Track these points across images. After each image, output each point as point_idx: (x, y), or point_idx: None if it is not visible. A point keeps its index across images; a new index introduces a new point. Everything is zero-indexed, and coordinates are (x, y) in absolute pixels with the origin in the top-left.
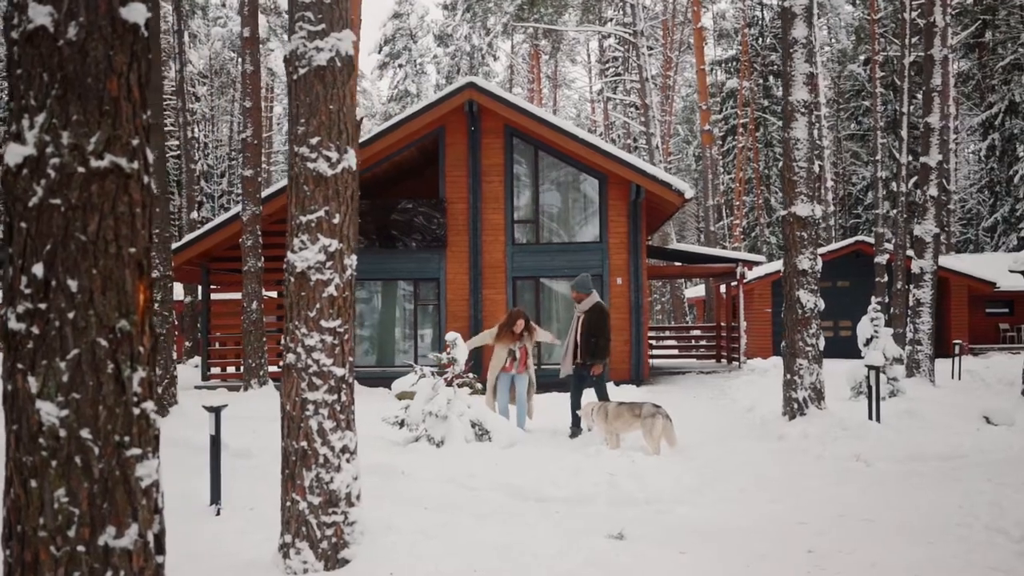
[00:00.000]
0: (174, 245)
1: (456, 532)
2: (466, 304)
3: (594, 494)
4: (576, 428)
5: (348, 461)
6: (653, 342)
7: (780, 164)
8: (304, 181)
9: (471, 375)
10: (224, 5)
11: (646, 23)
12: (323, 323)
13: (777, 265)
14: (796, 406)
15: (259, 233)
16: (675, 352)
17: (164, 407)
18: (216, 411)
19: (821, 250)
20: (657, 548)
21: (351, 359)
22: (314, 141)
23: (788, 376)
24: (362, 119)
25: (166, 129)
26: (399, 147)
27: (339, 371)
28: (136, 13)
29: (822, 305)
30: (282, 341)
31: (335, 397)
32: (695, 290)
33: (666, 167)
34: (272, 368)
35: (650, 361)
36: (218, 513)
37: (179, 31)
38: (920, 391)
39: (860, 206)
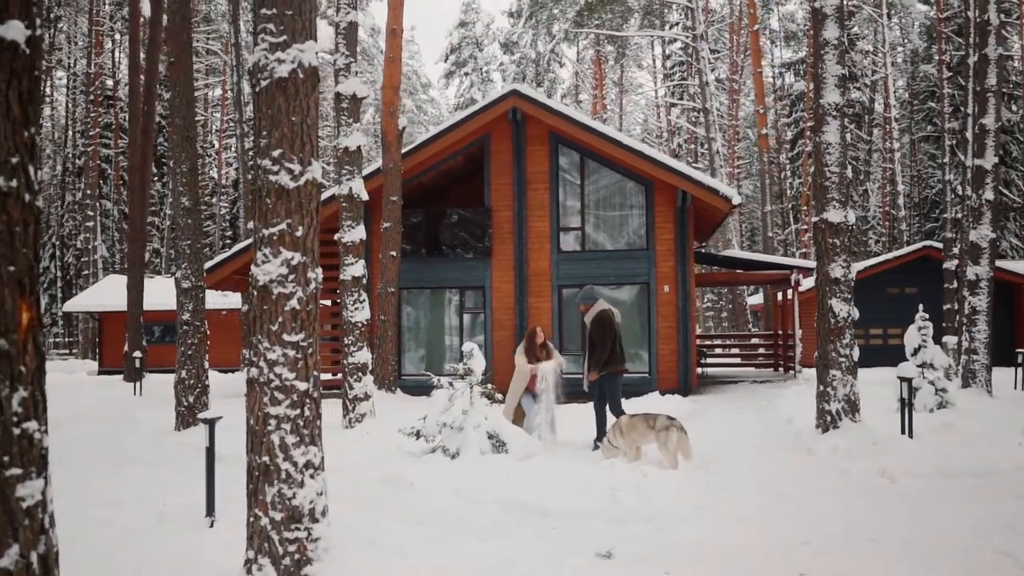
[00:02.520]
0: (223, 256)
1: (439, 548)
2: (512, 312)
3: (597, 509)
4: (599, 440)
5: (312, 477)
6: (720, 350)
7: (852, 167)
8: (266, 194)
9: (490, 385)
10: None
11: (706, 27)
12: (285, 337)
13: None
14: (829, 419)
15: None
16: (737, 360)
17: (196, 415)
18: (210, 423)
19: (889, 255)
20: (643, 567)
21: (316, 373)
22: (276, 154)
23: (821, 388)
24: (404, 128)
25: (229, 141)
26: (445, 155)
27: (302, 385)
28: (14, 31)
29: (856, 314)
30: (247, 355)
31: (298, 412)
32: (759, 297)
33: (732, 172)
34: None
35: (707, 370)
36: (212, 525)
37: (236, 44)
38: (973, 402)
39: (937, 210)
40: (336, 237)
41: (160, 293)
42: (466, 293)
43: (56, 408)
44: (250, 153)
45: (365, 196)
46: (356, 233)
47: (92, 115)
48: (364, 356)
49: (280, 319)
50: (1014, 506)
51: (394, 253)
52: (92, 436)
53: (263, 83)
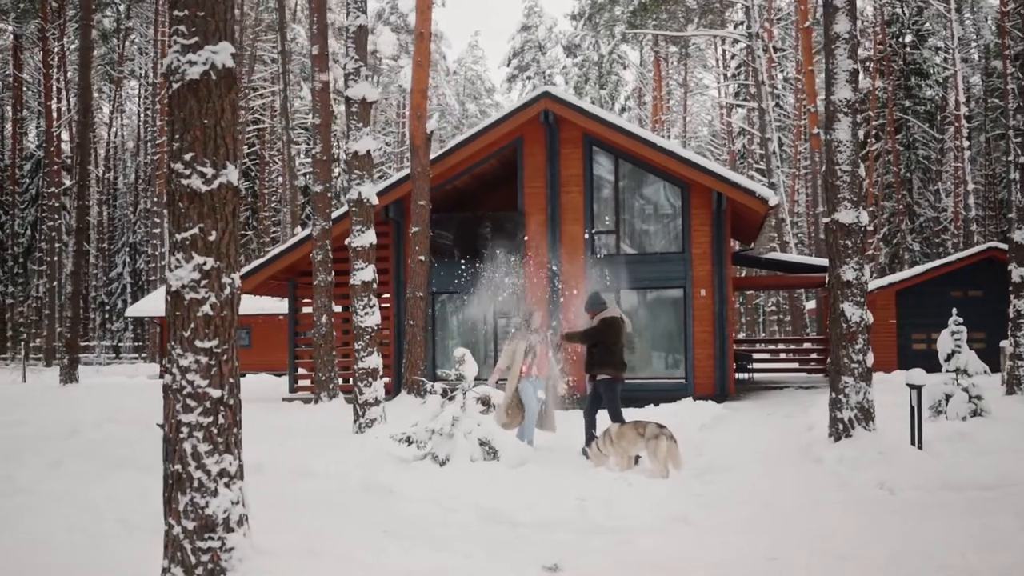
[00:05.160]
0: (258, 262)
1: (384, 558)
2: (545, 316)
3: (567, 520)
4: (588, 447)
5: (227, 486)
6: (777, 354)
7: (923, 167)
8: (179, 198)
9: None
10: None
11: (761, 25)
12: (198, 343)
13: (904, 274)
14: (841, 427)
15: (329, 248)
16: (788, 365)
17: None
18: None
19: (952, 257)
20: None
21: (232, 380)
22: (188, 157)
23: (833, 395)
24: (432, 132)
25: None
26: (478, 159)
27: (215, 392)
28: None
29: (870, 319)
30: (163, 362)
31: (211, 419)
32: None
33: (795, 172)
34: (342, 381)
35: (753, 375)
36: None
37: (283, 52)
38: (1012, 410)
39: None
40: (347, 242)
41: None
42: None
43: (88, 412)
44: (299, 159)
45: (375, 200)
46: (366, 237)
47: (159, 123)
48: (374, 361)
49: (192, 325)
50: (1008, 522)
51: (422, 257)
52: (108, 440)
53: (175, 85)
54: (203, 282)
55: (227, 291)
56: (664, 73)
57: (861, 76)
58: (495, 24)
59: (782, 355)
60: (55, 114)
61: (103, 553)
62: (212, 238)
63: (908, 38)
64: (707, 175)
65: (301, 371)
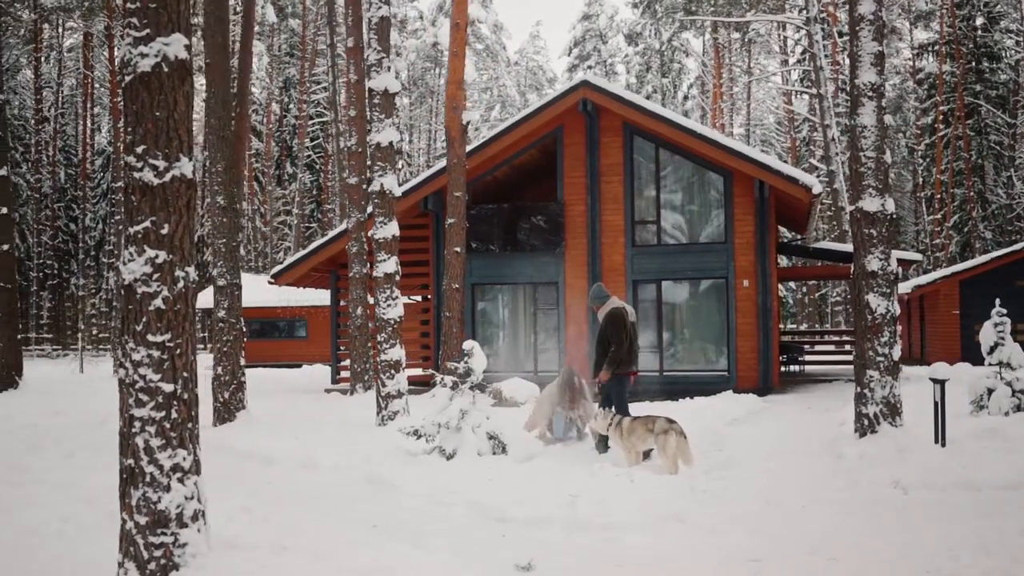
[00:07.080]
0: (299, 255)
1: (355, 553)
2: (585, 308)
3: (557, 517)
4: (604, 443)
5: (180, 481)
6: (848, 346)
7: (996, 153)
8: (132, 191)
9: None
10: (422, 18)
11: (821, 9)
12: (150, 337)
13: (968, 264)
14: (866, 422)
15: (364, 240)
16: (843, 357)
17: (231, 411)
18: None
19: (1017, 246)
20: None
21: (187, 374)
22: (140, 150)
23: (858, 389)
24: (468, 122)
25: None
26: (518, 149)
27: (168, 387)
28: None
29: (897, 310)
30: (118, 356)
31: (163, 414)
32: None
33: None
34: None
35: (804, 367)
36: None
37: (332, 45)
38: None
39: None
40: (370, 234)
41: (255, 290)
42: (539, 289)
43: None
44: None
45: (398, 192)
46: (388, 229)
47: None
48: (396, 353)
49: (144, 319)
50: (1016, 524)
51: (458, 249)
52: None
53: (128, 78)
54: (155, 276)
55: (180, 285)
56: (726, 60)
57: (930, 59)
58: (556, 14)
59: (846, 347)
60: (121, 109)
61: (86, 545)
62: (164, 231)
63: (979, 20)
64: (748, 163)
65: (347, 362)
